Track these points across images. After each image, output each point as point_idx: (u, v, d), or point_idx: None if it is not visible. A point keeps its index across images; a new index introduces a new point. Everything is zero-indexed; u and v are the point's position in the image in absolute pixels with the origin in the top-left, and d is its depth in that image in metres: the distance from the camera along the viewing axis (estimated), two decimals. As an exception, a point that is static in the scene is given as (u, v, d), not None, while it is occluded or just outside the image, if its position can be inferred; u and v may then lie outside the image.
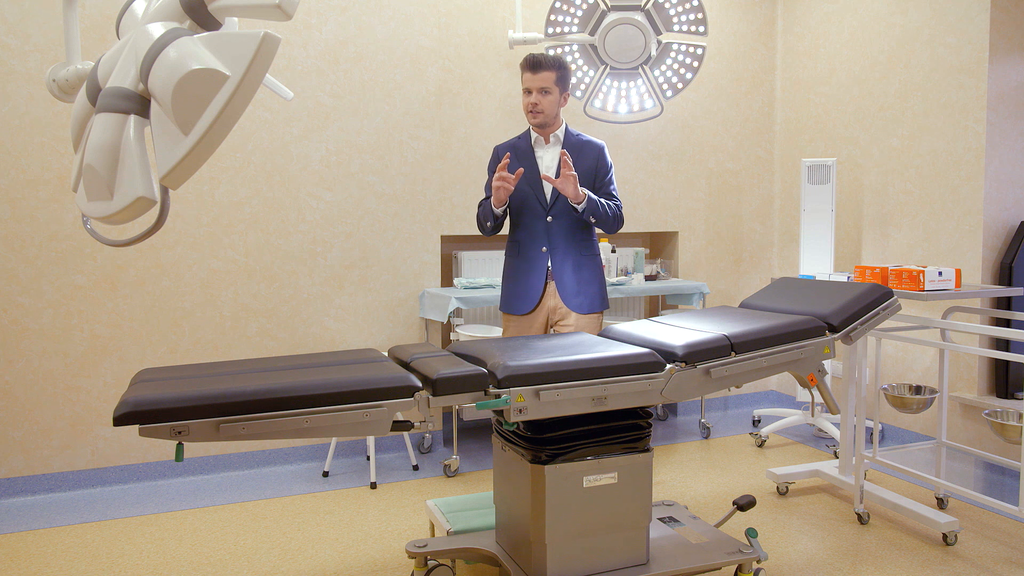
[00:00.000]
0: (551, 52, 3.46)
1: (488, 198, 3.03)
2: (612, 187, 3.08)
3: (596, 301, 3.05)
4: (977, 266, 3.67)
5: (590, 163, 3.04)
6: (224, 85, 1.63)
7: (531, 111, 2.97)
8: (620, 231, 4.56)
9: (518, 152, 3.07)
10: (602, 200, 2.98)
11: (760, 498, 3.34)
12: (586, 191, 2.90)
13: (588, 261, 3.05)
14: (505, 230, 3.17)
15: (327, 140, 3.88)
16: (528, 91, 2.96)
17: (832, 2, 4.49)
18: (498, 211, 2.97)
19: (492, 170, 3.08)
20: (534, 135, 3.07)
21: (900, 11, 4.06)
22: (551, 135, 3.05)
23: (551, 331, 3.10)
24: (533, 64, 2.94)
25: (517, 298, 3.05)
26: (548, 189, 3.01)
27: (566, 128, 3.07)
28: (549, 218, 3.01)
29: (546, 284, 3.02)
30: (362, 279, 3.98)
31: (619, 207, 3.05)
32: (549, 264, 3.01)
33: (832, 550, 2.82)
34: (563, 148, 3.01)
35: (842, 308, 2.51)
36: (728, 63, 4.77)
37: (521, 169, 2.88)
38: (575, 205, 2.90)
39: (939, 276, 2.96)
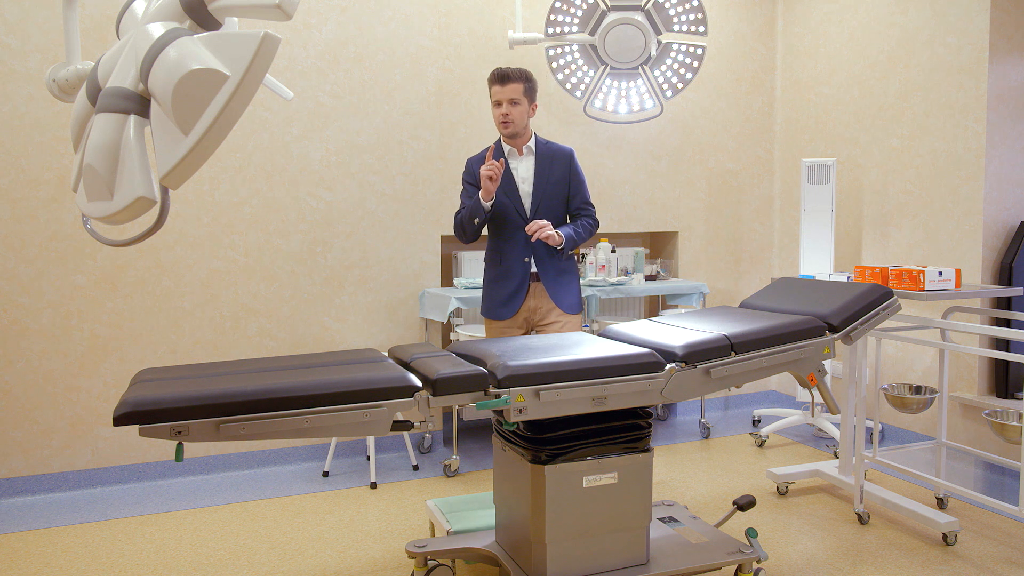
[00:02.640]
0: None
1: (465, 207, 3.02)
2: (586, 193, 3.17)
3: (575, 302, 3.14)
4: (977, 266, 3.67)
5: (562, 171, 3.10)
6: (224, 85, 1.63)
7: (503, 122, 3.02)
8: (620, 231, 4.58)
9: None
10: (577, 228, 3.07)
11: (760, 498, 3.34)
12: (562, 233, 2.98)
13: (568, 265, 3.14)
14: (485, 232, 3.14)
15: (327, 140, 3.88)
16: (498, 103, 3.01)
17: (832, 2, 4.49)
18: (487, 204, 2.92)
19: (467, 182, 3.12)
20: (507, 147, 3.12)
21: (900, 11, 4.06)
22: (523, 146, 3.10)
23: (534, 332, 3.16)
24: (501, 77, 3.00)
25: (500, 305, 3.09)
26: (527, 200, 3.06)
27: (535, 138, 3.12)
28: None
29: (529, 286, 3.07)
30: (362, 279, 3.98)
31: (593, 216, 3.14)
32: (533, 269, 3.07)
33: (832, 550, 2.82)
34: (535, 157, 3.08)
35: (842, 308, 2.51)
36: (728, 63, 4.77)
37: (503, 159, 2.96)
38: (556, 247, 3.00)
39: (939, 276, 2.96)
